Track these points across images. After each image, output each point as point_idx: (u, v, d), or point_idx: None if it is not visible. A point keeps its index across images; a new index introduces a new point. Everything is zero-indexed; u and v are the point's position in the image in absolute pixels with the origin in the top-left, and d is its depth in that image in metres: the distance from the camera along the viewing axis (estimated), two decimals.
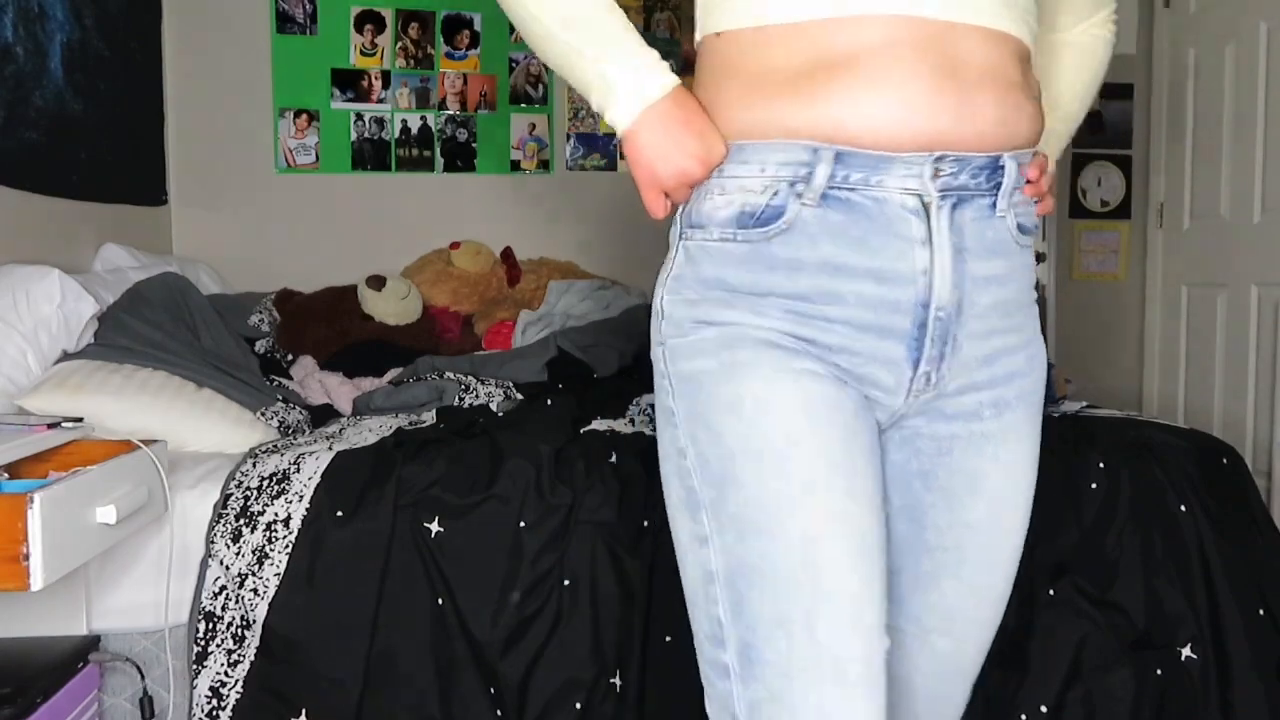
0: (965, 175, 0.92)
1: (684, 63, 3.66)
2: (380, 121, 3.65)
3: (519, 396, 2.32)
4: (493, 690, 1.71)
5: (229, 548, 1.75)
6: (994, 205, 0.95)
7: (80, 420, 1.67)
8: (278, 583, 1.72)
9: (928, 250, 0.92)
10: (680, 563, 0.99)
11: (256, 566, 1.73)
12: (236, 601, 1.73)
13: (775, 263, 0.93)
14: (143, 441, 1.63)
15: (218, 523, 1.77)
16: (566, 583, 1.76)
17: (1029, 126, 0.97)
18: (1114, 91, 3.78)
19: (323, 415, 2.35)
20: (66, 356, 2.12)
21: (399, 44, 3.64)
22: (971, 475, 1.01)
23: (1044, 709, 1.74)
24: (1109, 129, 3.82)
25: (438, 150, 3.69)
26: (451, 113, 3.69)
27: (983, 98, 0.92)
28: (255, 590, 1.72)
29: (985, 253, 0.96)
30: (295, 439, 2.07)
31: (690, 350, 0.95)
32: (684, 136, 0.93)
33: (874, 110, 0.90)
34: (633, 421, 2.15)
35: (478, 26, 3.70)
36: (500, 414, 2.17)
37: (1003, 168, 0.94)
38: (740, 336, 0.93)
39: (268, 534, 1.75)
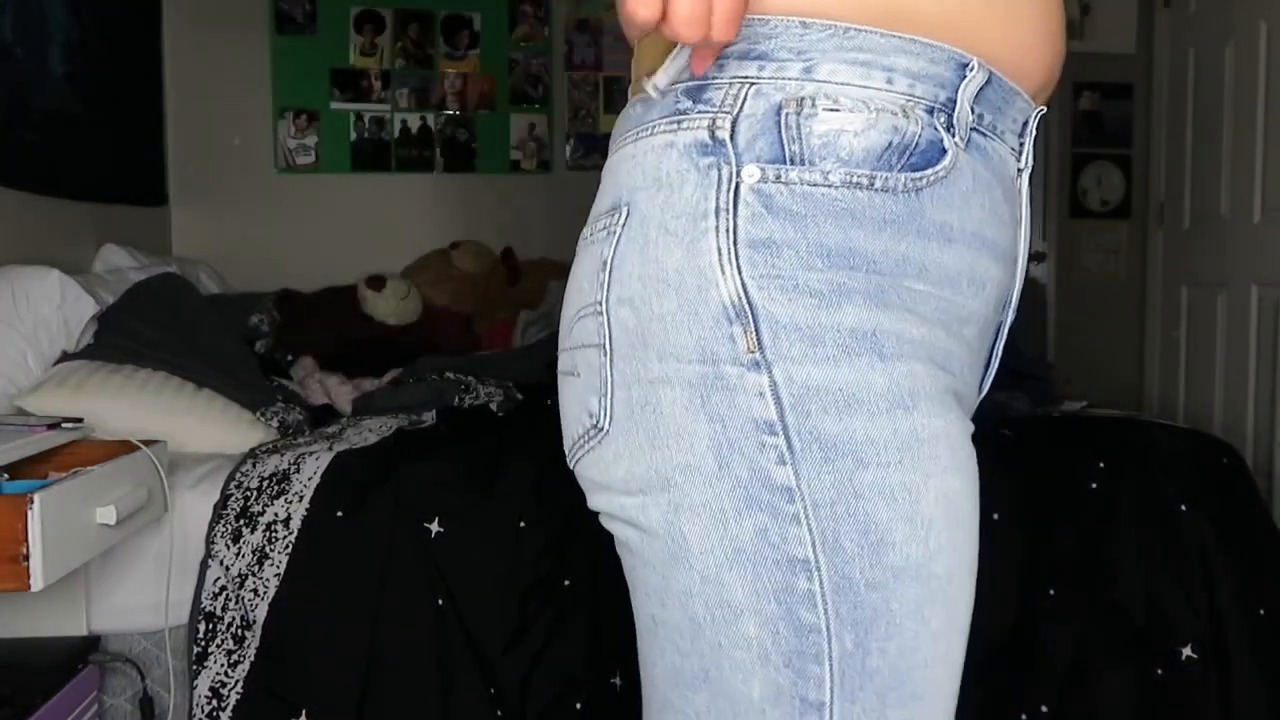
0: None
1: None
2: (380, 121, 3.65)
3: (519, 396, 2.32)
4: (493, 690, 1.71)
5: (229, 548, 1.75)
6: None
7: (80, 421, 1.67)
8: (278, 583, 1.72)
9: (1018, 230, 0.72)
10: None
11: (256, 567, 1.73)
12: (236, 602, 1.73)
13: (926, 227, 0.63)
14: (143, 442, 1.63)
15: (218, 523, 1.77)
16: (567, 583, 1.76)
17: None
18: (1114, 91, 3.78)
19: (323, 415, 2.35)
20: (66, 357, 2.12)
21: (399, 44, 3.64)
22: None
23: (1044, 709, 1.74)
24: (1109, 129, 3.82)
25: (438, 150, 3.70)
26: (451, 113, 3.69)
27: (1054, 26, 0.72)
28: (255, 590, 1.72)
29: None
30: (295, 439, 2.07)
31: (843, 399, 0.60)
32: None
33: (1023, 21, 0.68)
34: None
35: (477, 26, 3.70)
36: (500, 414, 2.17)
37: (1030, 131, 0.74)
38: (916, 387, 0.62)
39: (268, 534, 1.75)
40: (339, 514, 1.75)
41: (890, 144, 0.61)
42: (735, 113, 0.62)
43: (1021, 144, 0.71)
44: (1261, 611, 1.82)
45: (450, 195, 3.70)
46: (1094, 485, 1.85)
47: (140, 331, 2.22)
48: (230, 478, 1.82)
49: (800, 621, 0.61)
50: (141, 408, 2.01)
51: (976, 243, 0.65)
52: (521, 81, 3.74)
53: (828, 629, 0.61)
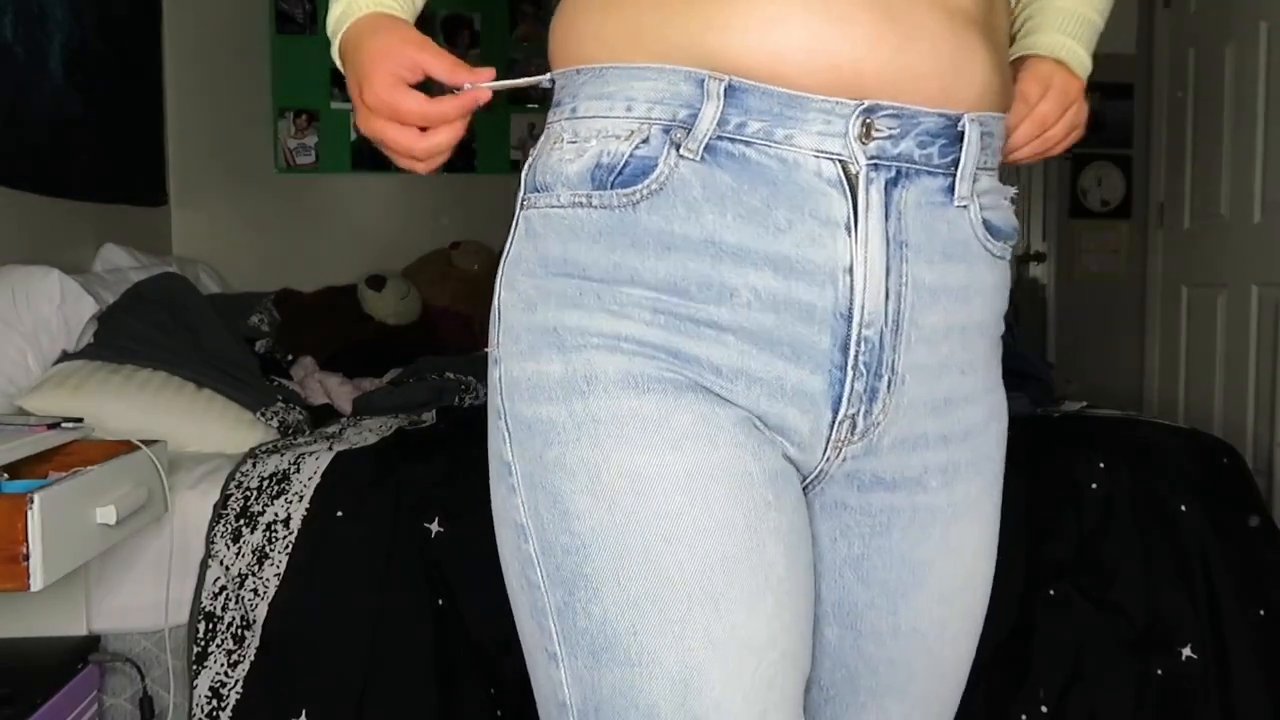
0: (909, 140, 0.67)
1: None
2: None
3: None
4: (493, 690, 1.71)
5: (229, 548, 1.75)
6: (951, 189, 0.70)
7: (80, 421, 1.67)
8: (278, 583, 1.72)
9: (851, 240, 0.67)
10: (531, 672, 0.74)
11: (256, 567, 1.73)
12: (236, 602, 1.73)
13: (641, 237, 0.68)
14: (143, 442, 1.63)
15: (218, 523, 1.77)
16: None
17: (993, 80, 0.72)
18: (1114, 91, 3.78)
19: (323, 415, 2.35)
20: (66, 357, 2.12)
21: None
22: (915, 565, 0.76)
23: (1044, 709, 1.74)
24: (1109, 129, 3.82)
25: None
26: None
27: (928, 26, 0.68)
28: (255, 590, 1.72)
29: (937, 254, 0.70)
30: (295, 439, 2.07)
31: (530, 388, 0.70)
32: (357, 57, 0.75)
33: (776, 26, 0.66)
34: None
35: (477, 26, 3.70)
36: None
37: (962, 134, 0.69)
38: (593, 374, 0.68)
39: (268, 534, 1.75)
40: (339, 514, 1.75)
41: (598, 165, 0.68)
42: (535, 155, 0.74)
43: (846, 149, 0.66)
44: (1261, 611, 1.82)
45: (450, 195, 3.70)
46: (1094, 485, 1.85)
47: (140, 331, 2.22)
48: (230, 478, 1.82)
49: (529, 579, 0.71)
50: (141, 408, 2.01)
51: (709, 249, 0.67)
52: None
53: (544, 586, 0.69)
